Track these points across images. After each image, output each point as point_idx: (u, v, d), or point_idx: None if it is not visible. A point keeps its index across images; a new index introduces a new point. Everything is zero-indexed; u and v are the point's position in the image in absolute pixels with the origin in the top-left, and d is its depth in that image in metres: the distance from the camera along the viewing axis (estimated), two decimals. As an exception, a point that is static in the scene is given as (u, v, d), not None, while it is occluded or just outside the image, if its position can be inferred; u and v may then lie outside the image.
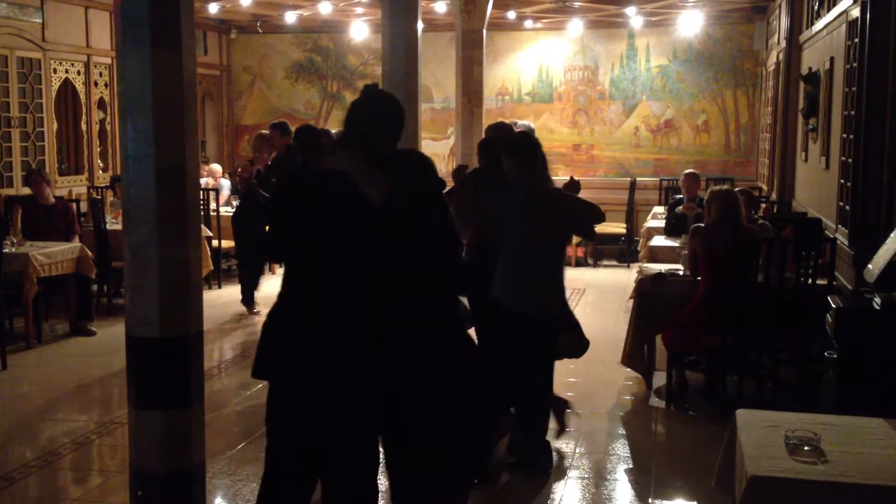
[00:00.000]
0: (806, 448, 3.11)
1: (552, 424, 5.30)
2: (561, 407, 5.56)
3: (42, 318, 8.09)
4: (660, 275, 6.42)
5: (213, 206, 10.20)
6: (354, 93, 14.19)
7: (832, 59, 7.23)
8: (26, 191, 8.99)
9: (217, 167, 12.25)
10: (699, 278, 6.05)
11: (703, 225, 6.15)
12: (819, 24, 7.96)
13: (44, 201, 8.46)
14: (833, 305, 4.75)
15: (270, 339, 3.33)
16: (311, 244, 3.19)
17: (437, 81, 13.62)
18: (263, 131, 9.30)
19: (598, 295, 10.24)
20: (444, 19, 12.57)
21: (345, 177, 3.15)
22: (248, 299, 9.08)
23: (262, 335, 3.38)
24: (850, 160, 6.11)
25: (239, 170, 9.14)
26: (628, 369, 6.57)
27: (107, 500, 4.72)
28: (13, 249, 7.55)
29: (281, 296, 3.34)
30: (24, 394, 6.65)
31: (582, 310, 9.43)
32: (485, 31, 10.90)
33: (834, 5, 7.16)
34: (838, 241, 6.18)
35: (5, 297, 7.26)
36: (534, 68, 13.71)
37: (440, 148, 13.82)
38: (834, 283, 5.99)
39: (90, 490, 4.87)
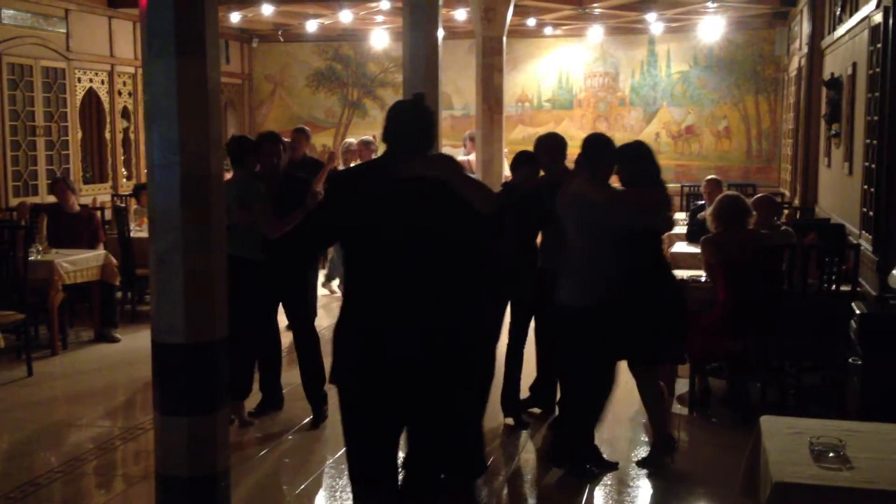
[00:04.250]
0: (831, 455, 3.09)
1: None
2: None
3: (67, 325, 8.16)
4: (682, 281, 6.39)
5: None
6: (375, 100, 14.29)
7: (854, 65, 7.19)
8: (51, 199, 9.09)
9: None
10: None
11: (710, 236, 6.05)
12: (841, 30, 7.93)
13: (69, 209, 8.54)
14: (857, 311, 4.72)
15: (344, 346, 3.31)
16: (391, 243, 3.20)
17: (457, 89, 13.67)
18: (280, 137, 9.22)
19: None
20: (463, 27, 12.60)
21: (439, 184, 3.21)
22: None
23: (334, 342, 3.35)
24: (873, 165, 6.07)
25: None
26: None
27: (132, 505, 4.77)
28: (39, 257, 7.63)
29: (348, 297, 3.34)
30: (49, 400, 6.71)
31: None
32: (504, 39, 10.91)
33: (856, 10, 7.13)
34: (862, 247, 6.15)
35: (31, 304, 7.34)
36: (554, 75, 13.72)
37: (461, 155, 13.83)
38: (858, 289, 5.95)
39: (115, 495, 4.90)
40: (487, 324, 4.00)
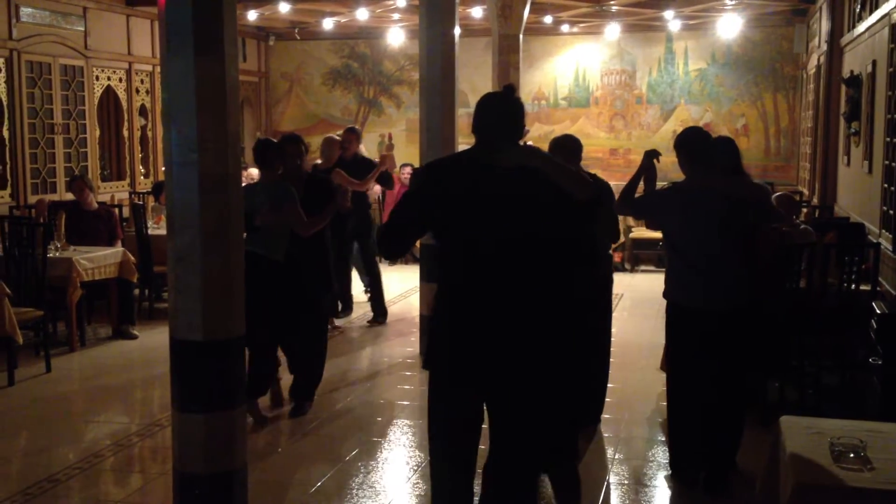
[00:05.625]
0: (851, 455, 3.07)
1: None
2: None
3: (85, 321, 8.18)
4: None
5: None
6: (391, 98, 14.29)
7: (874, 63, 7.14)
8: (70, 196, 9.14)
9: (256, 172, 12.33)
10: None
11: None
12: (861, 27, 7.87)
13: (87, 207, 8.58)
14: (877, 311, 4.69)
15: (437, 333, 3.43)
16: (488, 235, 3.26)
17: (474, 86, 13.62)
18: (333, 135, 9.13)
19: (636, 300, 10.18)
20: (480, 24, 12.59)
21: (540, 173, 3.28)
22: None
23: (430, 328, 3.50)
24: (893, 164, 6.03)
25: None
26: (666, 376, 6.51)
27: (148, 502, 4.77)
28: (57, 254, 7.67)
29: (444, 283, 3.42)
30: (67, 396, 6.74)
31: (619, 315, 9.38)
32: (521, 36, 10.90)
33: (876, 8, 7.07)
34: (882, 246, 6.10)
35: (50, 301, 7.39)
36: (570, 73, 13.68)
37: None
38: (878, 288, 5.91)
39: (132, 492, 4.92)
40: (582, 312, 4.01)
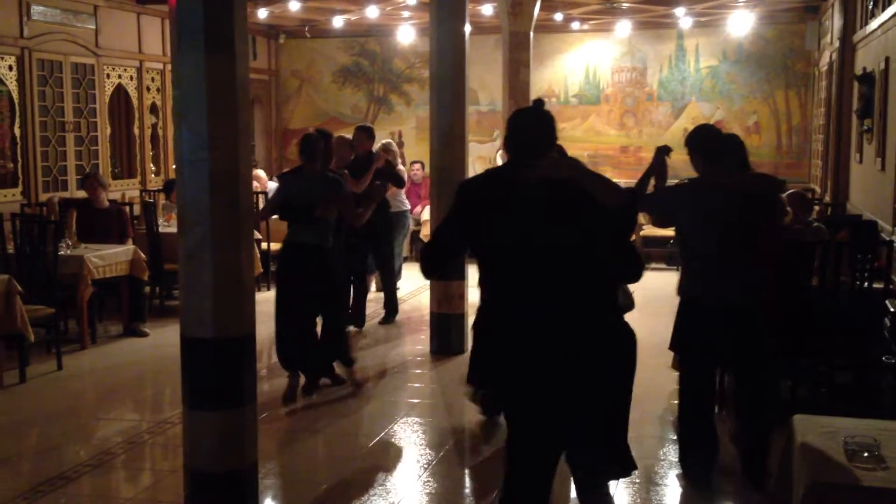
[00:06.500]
0: (866, 454, 3.05)
1: None
2: None
3: (96, 319, 8.22)
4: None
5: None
6: (401, 96, 14.28)
7: (887, 59, 7.10)
8: (81, 194, 9.15)
9: (262, 173, 12.30)
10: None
11: None
12: (874, 24, 7.82)
13: (98, 205, 8.60)
14: (891, 309, 4.66)
15: (484, 346, 3.42)
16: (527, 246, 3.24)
17: (484, 84, 13.62)
18: (344, 135, 9.11)
19: (647, 298, 10.08)
20: (490, 22, 12.57)
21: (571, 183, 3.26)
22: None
23: (474, 342, 3.50)
24: (907, 161, 5.99)
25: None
26: (679, 373, 6.48)
27: (159, 499, 4.77)
28: (68, 252, 7.69)
29: (486, 300, 3.42)
30: (78, 394, 6.76)
31: (629, 313, 9.33)
32: (531, 34, 10.87)
33: (889, 4, 7.03)
34: (895, 244, 6.06)
35: (61, 298, 7.40)
36: (581, 70, 13.64)
37: (486, 150, 13.81)
38: (890, 286, 5.87)
39: (143, 489, 4.93)
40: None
